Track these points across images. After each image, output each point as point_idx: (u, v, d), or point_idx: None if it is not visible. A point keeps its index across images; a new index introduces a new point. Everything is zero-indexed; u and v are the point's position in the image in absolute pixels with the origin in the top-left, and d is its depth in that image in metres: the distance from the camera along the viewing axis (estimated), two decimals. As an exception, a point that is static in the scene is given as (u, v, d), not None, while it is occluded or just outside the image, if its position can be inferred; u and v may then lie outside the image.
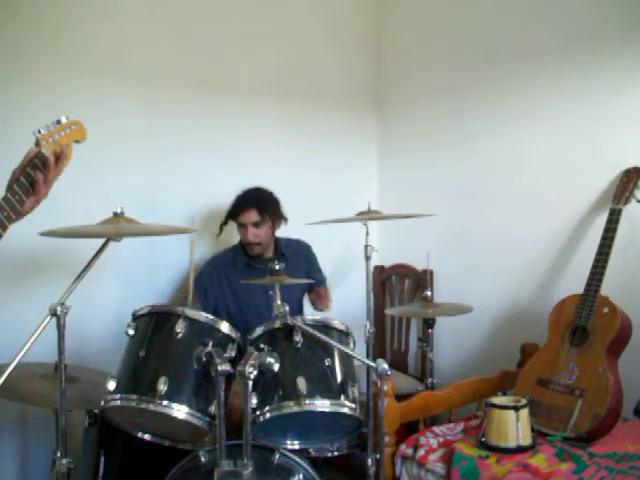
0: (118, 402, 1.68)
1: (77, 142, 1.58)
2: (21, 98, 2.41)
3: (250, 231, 2.59)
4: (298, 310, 2.73)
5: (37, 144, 1.46)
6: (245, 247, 2.67)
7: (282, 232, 2.78)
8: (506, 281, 2.84)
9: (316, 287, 2.79)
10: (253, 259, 2.67)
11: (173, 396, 1.66)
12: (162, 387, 1.65)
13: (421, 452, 2.08)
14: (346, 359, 1.82)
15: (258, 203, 2.59)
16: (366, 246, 2.08)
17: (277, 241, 2.75)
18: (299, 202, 2.80)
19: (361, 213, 2.16)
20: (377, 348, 3.23)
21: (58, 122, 1.52)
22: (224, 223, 2.67)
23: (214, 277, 2.66)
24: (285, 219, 2.70)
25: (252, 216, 2.58)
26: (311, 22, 3.25)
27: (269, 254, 2.70)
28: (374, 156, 3.52)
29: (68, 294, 1.65)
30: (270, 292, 1.85)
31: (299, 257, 2.78)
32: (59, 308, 1.62)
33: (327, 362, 1.77)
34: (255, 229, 2.59)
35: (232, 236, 2.80)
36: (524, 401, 2.08)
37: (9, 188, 1.43)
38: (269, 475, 1.80)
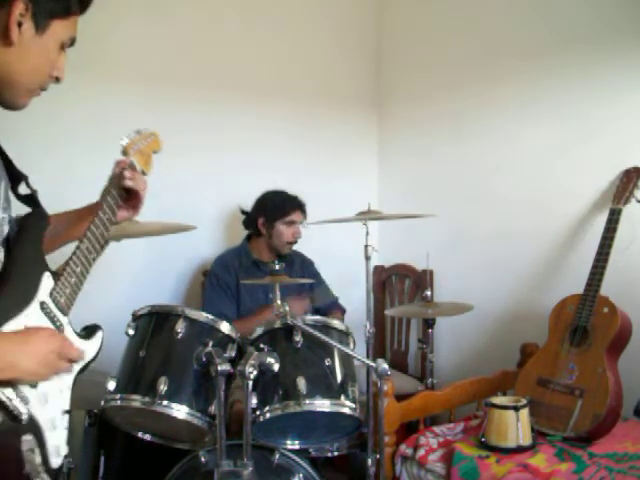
0: (118, 402, 1.68)
1: (155, 153, 1.51)
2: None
3: (299, 229, 2.68)
4: None
5: (126, 153, 1.38)
6: (281, 246, 2.69)
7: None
8: (506, 281, 2.84)
9: (332, 310, 2.78)
10: (276, 256, 2.69)
11: (173, 396, 1.66)
12: (162, 387, 1.65)
13: (421, 452, 2.08)
14: (346, 359, 1.82)
15: (303, 204, 2.71)
16: (366, 246, 2.08)
17: None
18: (299, 202, 2.80)
19: (361, 213, 2.16)
20: (377, 348, 3.23)
21: (138, 132, 1.45)
22: (271, 222, 2.67)
23: (228, 276, 2.67)
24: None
25: (300, 215, 2.69)
26: (311, 23, 3.25)
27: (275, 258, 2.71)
28: (374, 156, 3.52)
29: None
30: (271, 295, 1.85)
31: (306, 271, 2.81)
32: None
33: (327, 362, 1.77)
34: (299, 228, 2.69)
35: (238, 235, 2.82)
36: (524, 401, 2.08)
37: (104, 198, 1.32)
38: (269, 475, 1.80)
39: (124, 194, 1.35)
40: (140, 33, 2.72)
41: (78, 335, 1.20)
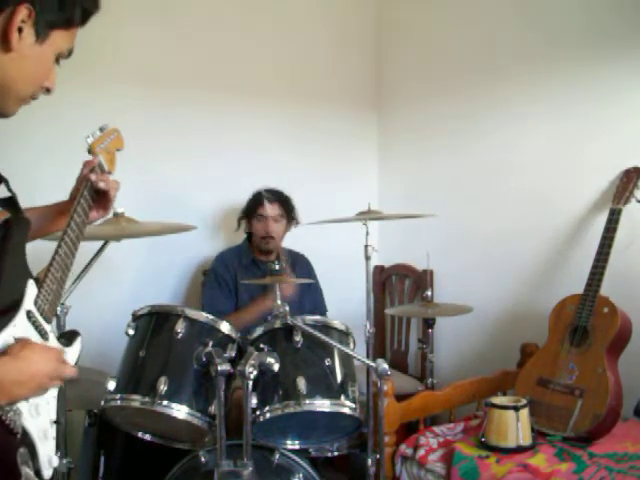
0: (118, 402, 1.69)
1: (118, 150, 1.49)
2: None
3: (270, 224, 2.64)
4: None
5: (92, 152, 1.37)
6: (259, 242, 2.67)
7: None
8: (506, 281, 2.84)
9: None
10: (265, 253, 2.68)
11: (173, 396, 1.66)
12: (162, 387, 1.65)
13: (421, 452, 2.08)
14: (346, 359, 1.83)
15: (281, 199, 2.67)
16: (366, 246, 2.08)
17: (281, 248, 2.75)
18: (299, 202, 2.79)
19: (361, 213, 2.16)
20: (377, 348, 3.23)
21: (101, 129, 1.43)
22: (242, 217, 2.70)
23: (226, 274, 2.67)
24: (297, 223, 2.73)
25: (274, 209, 2.64)
26: (311, 23, 3.25)
27: (274, 258, 2.69)
28: (374, 156, 3.52)
29: (68, 294, 1.65)
30: None
31: (302, 271, 2.78)
32: (59, 308, 1.62)
33: (327, 362, 1.77)
34: (275, 223, 2.65)
35: (237, 236, 2.82)
36: (524, 401, 2.08)
37: (77, 201, 1.30)
38: (269, 475, 1.80)
39: (95, 195, 1.34)
40: (140, 34, 2.71)
41: (60, 342, 1.17)
